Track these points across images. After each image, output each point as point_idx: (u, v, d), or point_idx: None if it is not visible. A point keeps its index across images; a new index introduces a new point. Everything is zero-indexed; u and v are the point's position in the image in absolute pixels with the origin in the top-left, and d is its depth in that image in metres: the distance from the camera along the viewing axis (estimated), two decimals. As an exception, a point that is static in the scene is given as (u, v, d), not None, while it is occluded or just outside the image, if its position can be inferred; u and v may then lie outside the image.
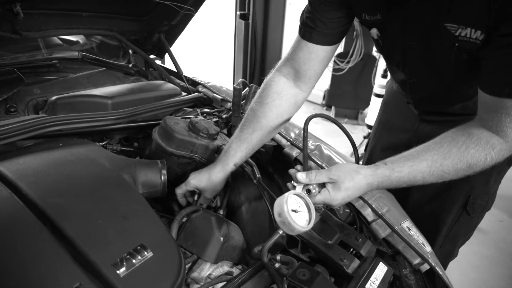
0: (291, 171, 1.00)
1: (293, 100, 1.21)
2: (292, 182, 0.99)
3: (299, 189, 0.96)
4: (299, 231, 0.91)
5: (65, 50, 1.84)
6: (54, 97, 1.37)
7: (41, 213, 0.87)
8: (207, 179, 1.17)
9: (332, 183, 0.96)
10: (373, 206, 1.21)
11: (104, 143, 1.39)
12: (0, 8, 1.23)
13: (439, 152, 0.92)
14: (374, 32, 1.13)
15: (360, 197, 1.22)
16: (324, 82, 5.05)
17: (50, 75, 1.60)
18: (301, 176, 0.96)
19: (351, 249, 1.05)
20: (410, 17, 1.02)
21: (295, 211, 0.91)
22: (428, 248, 1.19)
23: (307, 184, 0.97)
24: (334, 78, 4.77)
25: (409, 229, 1.20)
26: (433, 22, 0.95)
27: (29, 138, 1.19)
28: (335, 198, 0.95)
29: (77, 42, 2.09)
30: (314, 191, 0.97)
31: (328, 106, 5.15)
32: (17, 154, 1.09)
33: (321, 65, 1.18)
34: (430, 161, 0.92)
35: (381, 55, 1.29)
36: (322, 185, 0.98)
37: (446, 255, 1.45)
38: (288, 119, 1.26)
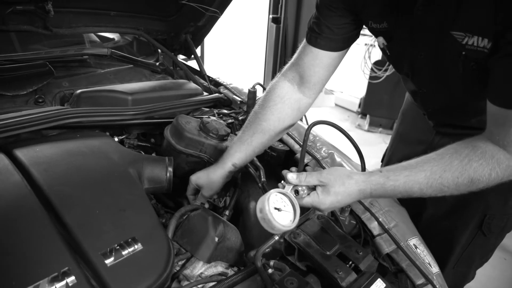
0: (284, 171, 0.99)
1: (296, 106, 1.20)
2: (283, 182, 0.97)
3: (288, 189, 0.94)
4: (279, 229, 0.89)
5: (97, 46, 1.93)
6: (79, 91, 1.44)
7: (46, 199, 0.92)
8: (206, 176, 1.18)
9: (322, 186, 0.93)
10: (380, 219, 1.17)
11: (123, 137, 1.45)
12: (33, 6, 1.32)
13: (439, 164, 0.87)
14: (380, 41, 1.11)
15: (368, 210, 1.19)
16: (361, 90, 4.94)
17: (80, 70, 1.68)
18: (291, 176, 0.94)
19: (350, 262, 1.02)
20: (417, 26, 0.98)
21: (278, 210, 0.90)
22: (434, 269, 1.13)
23: (296, 185, 0.95)
24: (370, 86, 4.66)
25: (416, 247, 1.15)
26: (440, 30, 0.92)
27: (51, 128, 1.26)
28: (323, 201, 0.93)
29: (112, 39, 2.19)
30: (302, 192, 0.95)
31: (363, 114, 5.03)
32: (38, 142, 1.15)
33: (326, 72, 1.16)
34: (429, 172, 0.87)
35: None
36: (313, 188, 0.96)
37: (460, 277, 1.37)
38: (291, 125, 1.25)
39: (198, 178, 1.19)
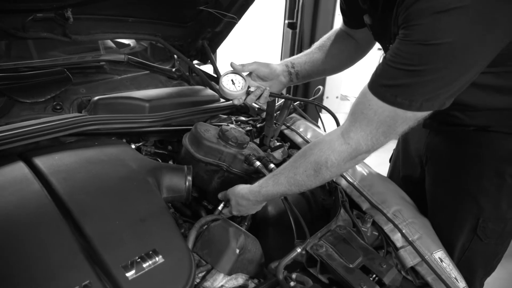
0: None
1: (354, 48, 1.33)
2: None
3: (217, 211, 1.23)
4: (227, 94, 1.23)
5: (114, 52, 1.93)
6: (96, 98, 1.44)
7: (65, 209, 0.91)
8: (266, 64, 1.28)
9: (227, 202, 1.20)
10: (404, 231, 1.15)
11: (140, 144, 1.44)
12: (53, 14, 1.32)
13: (293, 166, 1.04)
14: (366, 18, 1.11)
15: (391, 221, 1.17)
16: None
17: (97, 76, 1.68)
18: (220, 195, 1.22)
19: (374, 276, 1.00)
20: (381, 17, 1.00)
21: (233, 82, 1.23)
22: (461, 284, 1.10)
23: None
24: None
25: (442, 261, 1.11)
26: (388, 22, 0.96)
27: (69, 135, 1.26)
28: (230, 211, 1.19)
29: (128, 45, 2.19)
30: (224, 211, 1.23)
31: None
32: (57, 150, 1.15)
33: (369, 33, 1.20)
34: (287, 173, 1.05)
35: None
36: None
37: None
38: (348, 61, 1.37)
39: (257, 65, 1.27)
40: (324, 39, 1.36)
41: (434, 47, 0.77)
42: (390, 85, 0.85)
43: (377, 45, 1.28)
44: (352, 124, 0.93)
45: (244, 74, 1.25)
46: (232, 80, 1.23)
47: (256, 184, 1.12)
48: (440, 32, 0.75)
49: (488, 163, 1.15)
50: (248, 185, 1.15)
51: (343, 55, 1.35)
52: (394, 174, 1.58)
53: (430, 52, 0.78)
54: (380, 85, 0.87)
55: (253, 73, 1.27)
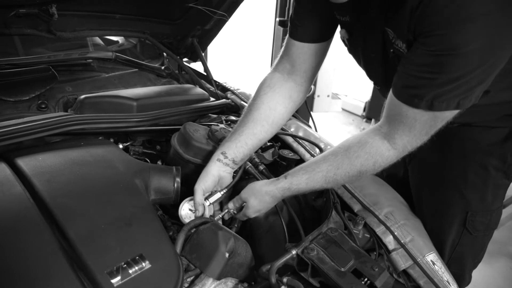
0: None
1: (287, 94, 1.20)
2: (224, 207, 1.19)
3: (226, 214, 1.18)
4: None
5: (101, 49, 1.89)
6: (82, 96, 1.40)
7: (48, 213, 0.88)
8: (203, 172, 1.16)
9: (245, 203, 1.13)
10: (396, 233, 1.13)
11: (128, 144, 1.41)
12: (37, 9, 1.28)
13: (333, 163, 1.02)
14: (342, 33, 1.10)
15: (383, 223, 1.15)
16: (366, 94, 4.90)
17: (84, 74, 1.64)
18: (231, 205, 1.16)
19: (366, 279, 0.98)
20: (369, 26, 0.99)
21: (192, 211, 1.15)
22: (453, 287, 1.09)
23: (231, 209, 1.17)
24: (375, 90, 4.58)
25: (434, 264, 1.11)
26: (380, 28, 0.95)
27: (54, 135, 1.22)
28: (248, 213, 1.13)
29: (116, 42, 2.15)
30: (232, 211, 1.17)
31: (368, 118, 4.98)
32: (40, 150, 1.11)
33: (316, 58, 1.16)
34: (325, 172, 1.02)
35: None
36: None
37: (455, 280, 1.34)
38: (285, 115, 1.23)
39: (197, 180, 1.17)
40: (252, 107, 1.20)
41: (464, 55, 0.77)
42: (424, 94, 0.85)
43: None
44: (395, 131, 0.94)
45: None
46: (190, 210, 1.16)
47: (282, 179, 1.07)
48: (468, 40, 0.75)
49: (472, 156, 1.17)
50: (267, 181, 1.11)
51: (278, 112, 1.20)
52: (377, 174, 1.58)
53: (460, 59, 0.78)
54: (412, 96, 0.87)
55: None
